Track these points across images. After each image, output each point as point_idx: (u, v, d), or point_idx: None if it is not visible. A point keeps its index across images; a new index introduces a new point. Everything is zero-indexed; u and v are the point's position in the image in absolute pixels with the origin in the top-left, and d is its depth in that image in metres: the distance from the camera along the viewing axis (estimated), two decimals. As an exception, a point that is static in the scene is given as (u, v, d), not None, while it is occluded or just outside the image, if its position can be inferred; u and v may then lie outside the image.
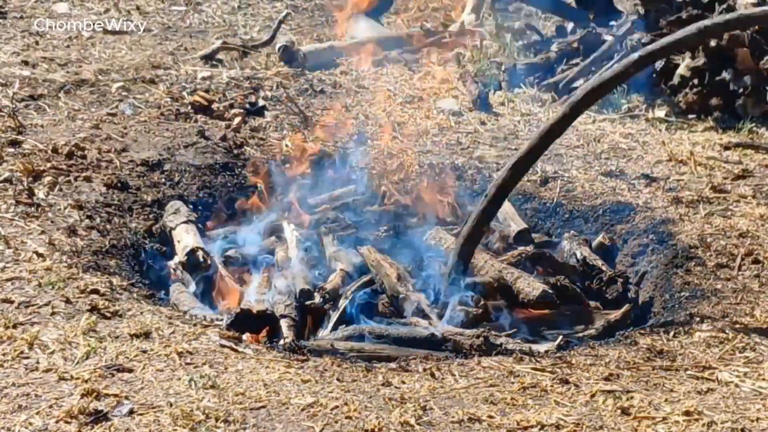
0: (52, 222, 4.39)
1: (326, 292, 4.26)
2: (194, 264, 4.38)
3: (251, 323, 3.85)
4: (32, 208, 4.47)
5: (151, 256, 4.54)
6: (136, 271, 4.30)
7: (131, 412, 2.97)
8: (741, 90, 6.35)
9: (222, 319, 3.87)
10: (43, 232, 4.26)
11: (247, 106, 6.19)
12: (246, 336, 3.71)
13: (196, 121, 5.92)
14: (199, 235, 4.62)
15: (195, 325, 3.71)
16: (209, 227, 4.91)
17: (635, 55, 4.23)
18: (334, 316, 4.09)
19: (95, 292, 3.82)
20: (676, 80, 6.61)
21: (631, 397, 3.28)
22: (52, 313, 3.60)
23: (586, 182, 5.31)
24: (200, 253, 4.38)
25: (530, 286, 4.18)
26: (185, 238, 4.48)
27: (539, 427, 3.08)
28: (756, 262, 4.37)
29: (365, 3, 7.70)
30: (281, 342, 3.75)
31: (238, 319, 3.86)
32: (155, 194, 4.98)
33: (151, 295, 4.05)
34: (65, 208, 4.56)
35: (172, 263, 4.46)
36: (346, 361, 3.53)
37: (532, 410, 3.17)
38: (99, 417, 2.96)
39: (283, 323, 3.91)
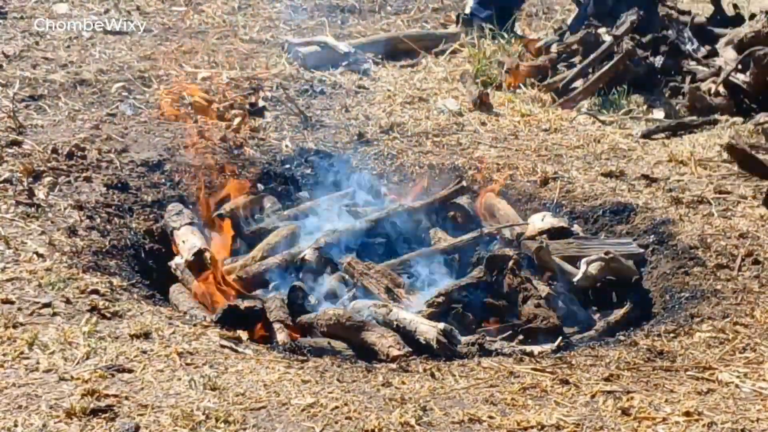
0: (52, 222, 4.39)
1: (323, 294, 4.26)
2: (200, 264, 4.37)
3: (240, 319, 3.87)
4: (32, 209, 4.47)
5: (150, 256, 4.54)
6: (136, 272, 4.29)
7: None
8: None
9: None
10: (43, 233, 4.26)
11: (247, 106, 6.19)
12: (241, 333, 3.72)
13: (196, 121, 5.91)
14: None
15: (195, 325, 3.71)
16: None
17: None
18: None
19: (95, 292, 3.82)
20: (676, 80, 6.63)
21: (632, 398, 3.28)
22: (53, 314, 3.60)
23: (586, 183, 5.30)
24: (207, 254, 4.37)
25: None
26: (191, 238, 4.47)
27: (539, 427, 3.08)
28: (756, 262, 4.36)
29: None
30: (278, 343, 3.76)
31: (226, 315, 3.87)
32: (155, 195, 4.98)
33: (151, 296, 4.05)
34: (65, 209, 4.56)
35: (173, 263, 4.45)
36: (345, 361, 3.54)
37: (532, 411, 3.17)
38: (99, 418, 2.96)
39: (275, 325, 3.90)
